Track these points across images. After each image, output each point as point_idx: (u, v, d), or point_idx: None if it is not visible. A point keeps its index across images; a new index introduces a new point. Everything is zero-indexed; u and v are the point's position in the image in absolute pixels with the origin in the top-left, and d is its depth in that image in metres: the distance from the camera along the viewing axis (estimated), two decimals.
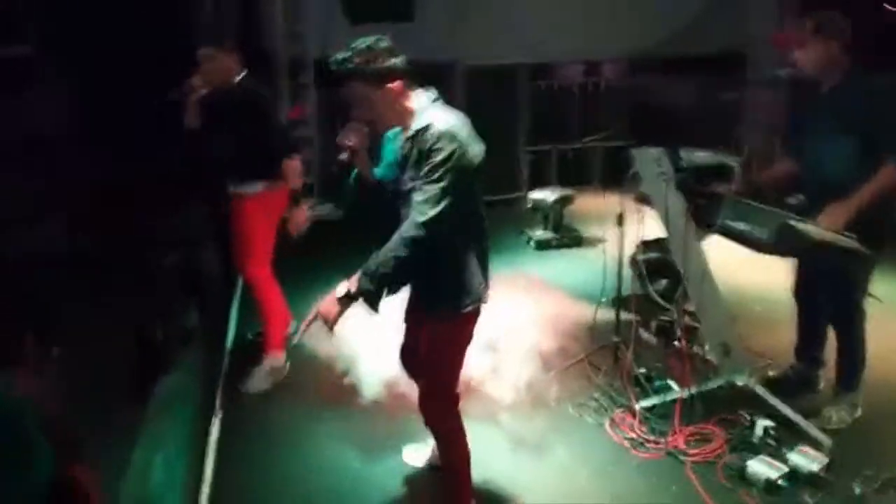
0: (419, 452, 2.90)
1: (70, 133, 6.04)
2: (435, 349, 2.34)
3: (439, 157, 2.08)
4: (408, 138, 2.19)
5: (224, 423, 3.20)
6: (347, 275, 2.18)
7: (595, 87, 7.92)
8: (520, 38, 6.54)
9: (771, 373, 3.37)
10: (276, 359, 3.52)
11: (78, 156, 5.81)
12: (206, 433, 3.09)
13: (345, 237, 3.55)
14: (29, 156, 5.36)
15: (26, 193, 5.14)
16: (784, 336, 3.45)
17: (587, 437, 3.07)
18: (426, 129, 2.12)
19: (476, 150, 2.18)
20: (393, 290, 2.20)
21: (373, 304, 2.14)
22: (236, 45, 3.41)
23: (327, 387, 3.49)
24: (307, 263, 4.32)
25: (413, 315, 2.51)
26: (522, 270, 5.03)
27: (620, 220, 3.41)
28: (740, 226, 2.76)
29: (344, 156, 2.33)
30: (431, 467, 2.82)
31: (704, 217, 2.93)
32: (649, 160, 2.98)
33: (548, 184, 6.53)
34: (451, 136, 2.10)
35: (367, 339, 3.57)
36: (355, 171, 2.40)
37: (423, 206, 2.09)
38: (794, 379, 3.31)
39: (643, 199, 3.37)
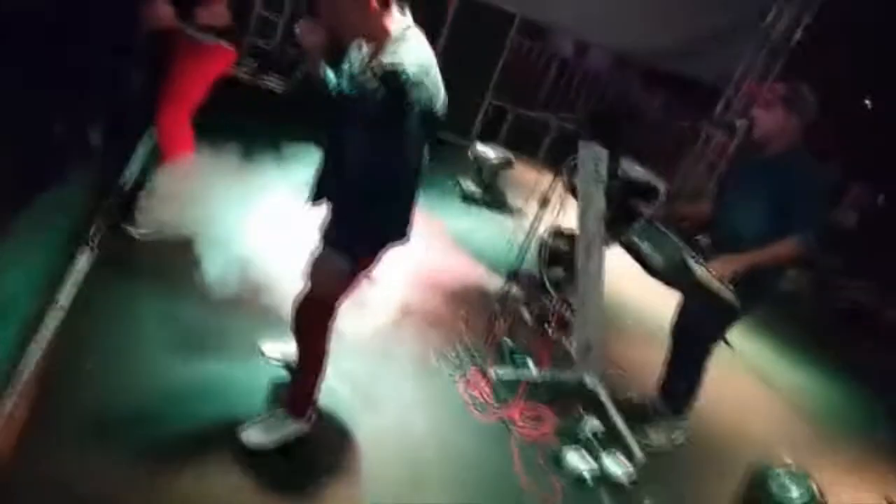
0: (277, 347, 2.92)
1: None
2: (327, 276, 2.29)
3: (407, 105, 2.00)
4: (375, 71, 2.04)
5: (95, 260, 3.07)
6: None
7: (574, 66, 7.98)
8: None
9: (632, 395, 3.56)
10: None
11: None
12: (72, 260, 2.99)
13: (280, 111, 3.49)
14: None
15: None
16: (643, 354, 3.71)
17: (438, 385, 3.22)
18: (397, 69, 1.99)
19: (440, 98, 2.11)
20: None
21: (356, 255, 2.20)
22: None
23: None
24: (232, 121, 4.17)
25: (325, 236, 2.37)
26: (438, 215, 5.09)
27: (544, 201, 3.51)
28: (644, 246, 2.92)
29: (297, 51, 2.25)
30: (288, 366, 2.86)
31: (617, 227, 3.07)
32: (591, 157, 3.07)
33: (493, 140, 6.57)
34: (418, 82, 2.00)
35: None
36: (304, 66, 2.29)
37: (394, 153, 2.08)
38: (649, 410, 3.47)
39: (572, 190, 3.49)
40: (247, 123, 3.39)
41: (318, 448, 2.59)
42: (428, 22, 2.22)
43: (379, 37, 2.08)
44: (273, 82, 6.37)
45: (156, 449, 2.32)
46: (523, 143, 7.08)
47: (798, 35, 7.08)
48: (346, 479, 2.52)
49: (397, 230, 2.29)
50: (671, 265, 2.78)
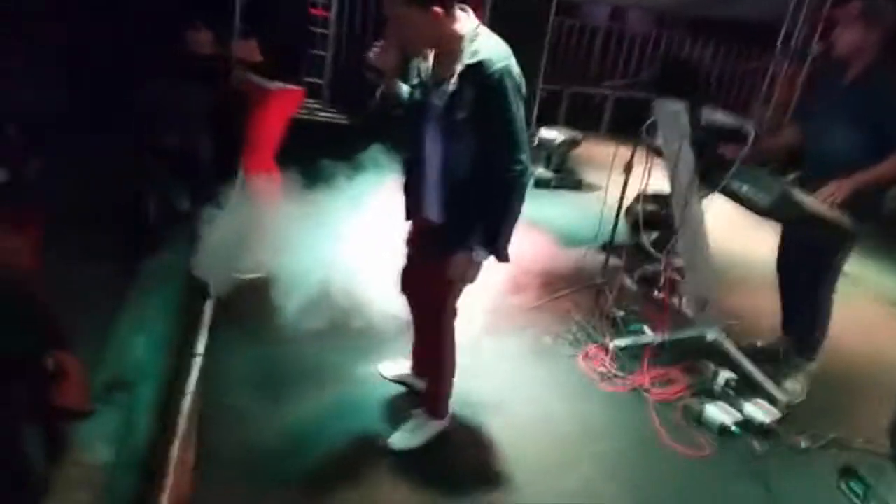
0: (393, 367, 2.97)
1: None
2: (446, 283, 2.34)
3: (507, 100, 2.04)
4: (461, 73, 2.06)
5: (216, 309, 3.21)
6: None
7: (619, 33, 7.88)
8: None
9: (759, 342, 3.49)
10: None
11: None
12: (198, 316, 3.17)
13: (351, 140, 3.61)
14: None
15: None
16: (756, 301, 3.63)
17: (561, 366, 3.25)
18: (483, 65, 2.02)
19: (524, 82, 2.14)
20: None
21: (507, 258, 2.31)
22: None
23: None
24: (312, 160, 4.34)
25: (429, 248, 2.38)
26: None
27: (628, 168, 3.50)
28: (743, 189, 2.87)
29: (372, 75, 2.27)
30: (404, 382, 2.91)
31: (711, 177, 3.02)
32: (669, 113, 3.05)
33: (554, 123, 6.55)
34: (509, 72, 2.04)
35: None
36: (381, 89, 2.33)
37: (515, 152, 2.09)
38: (779, 353, 3.38)
39: (655, 151, 3.45)
40: (318, 156, 3.52)
41: (462, 444, 2.67)
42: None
43: (453, 43, 2.10)
44: (333, 115, 6.58)
45: (311, 471, 2.45)
46: (583, 120, 7.03)
47: None
48: (494, 469, 2.58)
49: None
50: (779, 201, 2.72)
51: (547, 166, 5.79)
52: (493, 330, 3.45)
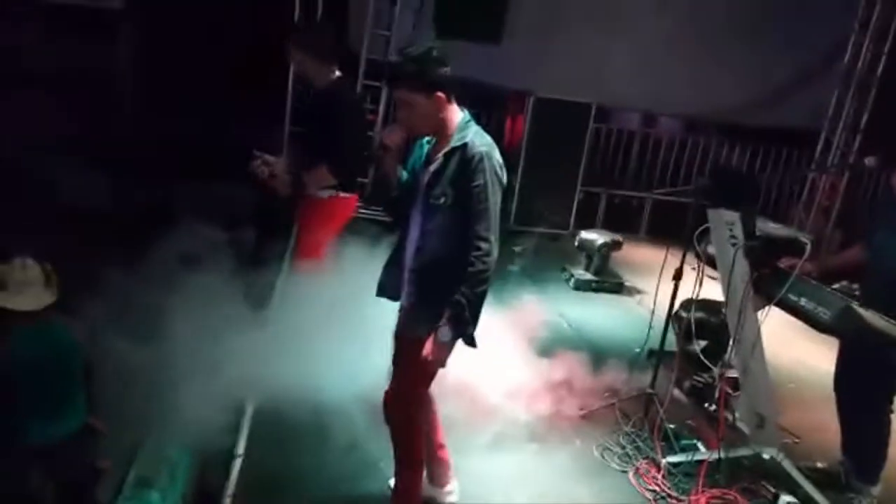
0: None
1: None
2: (422, 365, 2.35)
3: (484, 179, 2.20)
4: (445, 154, 2.27)
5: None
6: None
7: (654, 137, 8.02)
8: (592, 78, 6.64)
9: (819, 464, 3.32)
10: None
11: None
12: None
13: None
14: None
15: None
16: (813, 418, 3.46)
17: (610, 483, 3.10)
18: (466, 147, 2.23)
19: (505, 173, 2.31)
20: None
21: (473, 341, 2.33)
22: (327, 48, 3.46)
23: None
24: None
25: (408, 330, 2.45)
26: (558, 308, 5.05)
27: (678, 274, 3.44)
28: (802, 302, 2.79)
29: (379, 152, 2.45)
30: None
31: (767, 288, 2.96)
32: (723, 222, 3.03)
33: (592, 226, 6.58)
34: (490, 156, 2.23)
35: None
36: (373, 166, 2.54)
37: (483, 230, 2.21)
38: (841, 476, 3.22)
39: (705, 258, 3.41)
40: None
41: None
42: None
43: (448, 128, 2.31)
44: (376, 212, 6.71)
45: None
46: (622, 223, 7.05)
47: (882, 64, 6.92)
48: None
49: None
50: (840, 316, 2.64)
51: (588, 268, 5.75)
52: (538, 437, 3.33)
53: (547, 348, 4.06)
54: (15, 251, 2.13)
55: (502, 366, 3.70)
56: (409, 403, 2.48)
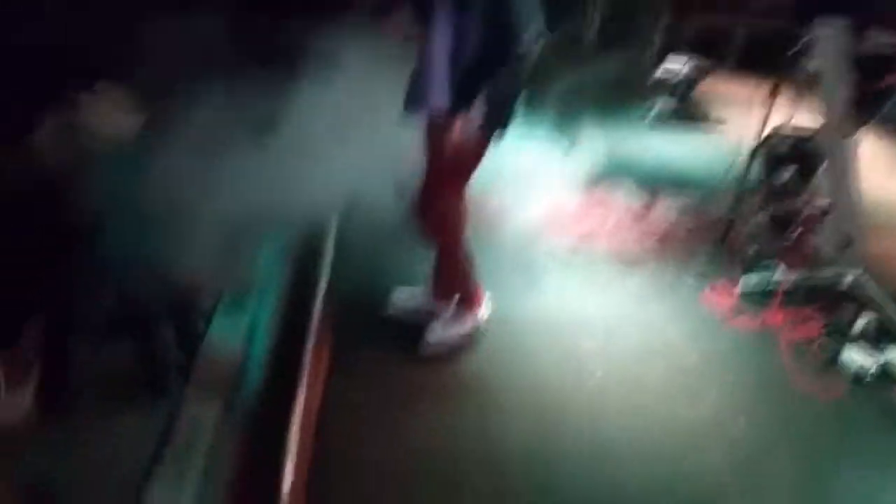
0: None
1: None
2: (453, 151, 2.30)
3: None
4: None
5: None
6: None
7: None
8: None
9: None
10: None
11: None
12: None
13: None
14: None
15: None
16: None
17: (683, 301, 3.18)
18: None
19: None
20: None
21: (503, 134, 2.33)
22: None
23: None
24: None
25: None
26: (636, 138, 4.96)
27: (772, 95, 3.28)
28: None
29: None
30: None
31: (868, 107, 2.81)
32: (828, 36, 2.83)
33: (676, 53, 6.21)
34: None
35: None
36: None
37: (517, 28, 2.12)
38: None
39: (801, 81, 3.23)
40: None
41: (578, 374, 2.68)
42: None
43: None
44: None
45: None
46: (708, 53, 6.63)
47: None
48: (614, 392, 2.60)
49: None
50: None
51: (670, 99, 5.54)
52: (612, 257, 3.42)
53: (621, 176, 4.05)
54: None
55: (575, 192, 3.75)
56: (442, 200, 2.48)
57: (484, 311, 2.76)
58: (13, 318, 2.14)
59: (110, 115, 2.19)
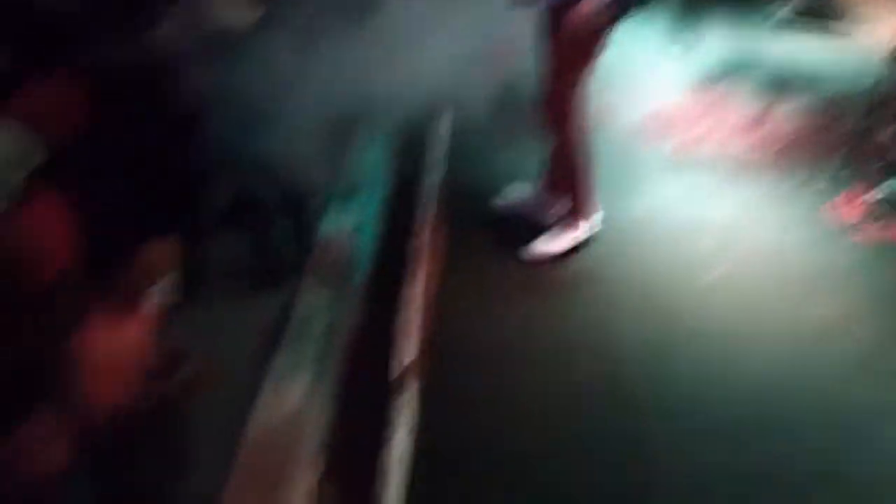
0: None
1: None
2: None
3: None
4: None
5: None
6: None
7: None
8: None
9: None
10: None
11: None
12: None
13: None
14: None
15: None
16: None
17: (803, 211, 3.04)
18: None
19: None
20: None
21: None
22: None
23: None
24: None
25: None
26: (762, 44, 4.60)
27: None
28: None
29: None
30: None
31: None
32: None
33: None
34: None
35: None
36: None
37: None
38: None
39: None
40: None
41: (690, 273, 2.64)
42: None
43: None
44: None
45: None
46: None
47: None
48: (730, 293, 2.55)
49: None
50: None
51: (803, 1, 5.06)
52: (729, 161, 3.29)
53: (744, 77, 3.82)
54: None
55: (693, 91, 3.58)
56: (566, 88, 2.39)
57: (595, 223, 2.68)
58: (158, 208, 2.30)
59: (231, 7, 2.23)
